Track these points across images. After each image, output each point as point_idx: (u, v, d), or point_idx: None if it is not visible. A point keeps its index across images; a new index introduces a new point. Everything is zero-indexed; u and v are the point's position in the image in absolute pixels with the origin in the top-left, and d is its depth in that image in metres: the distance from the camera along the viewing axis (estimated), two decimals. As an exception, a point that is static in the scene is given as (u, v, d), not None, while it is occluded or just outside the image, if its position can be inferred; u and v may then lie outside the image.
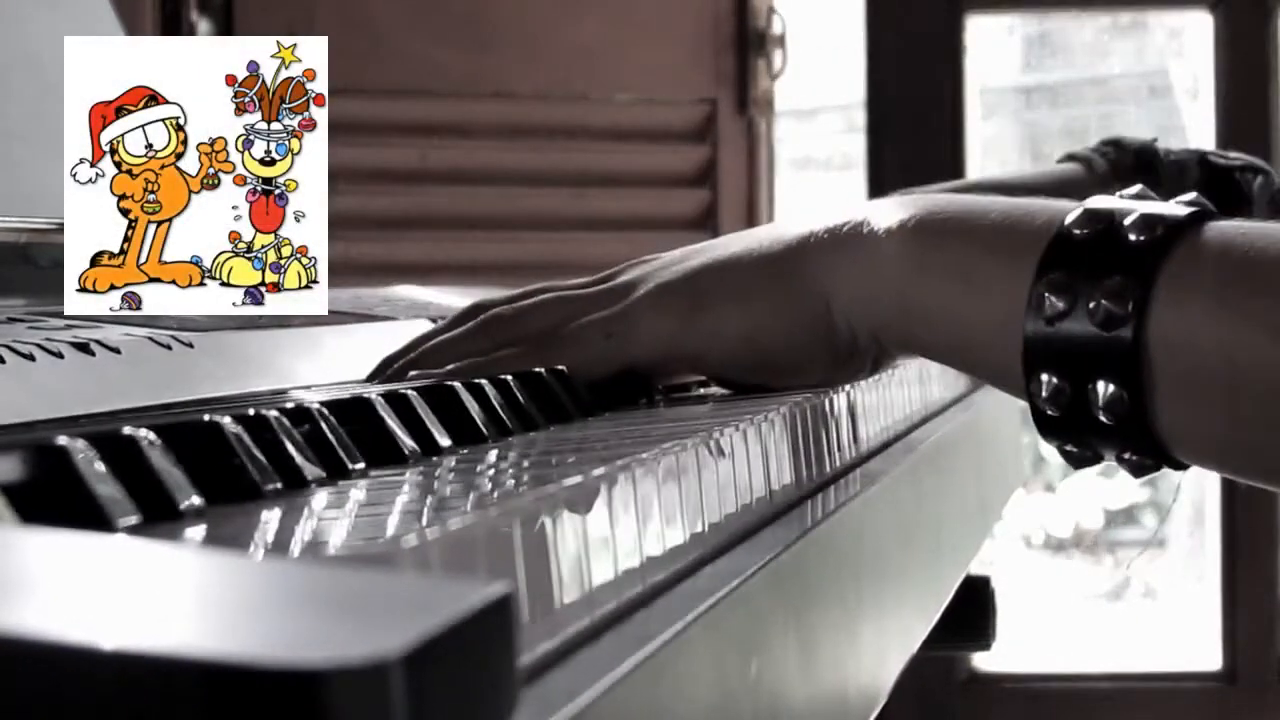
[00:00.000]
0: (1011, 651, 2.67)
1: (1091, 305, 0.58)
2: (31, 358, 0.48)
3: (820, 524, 0.52)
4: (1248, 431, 0.59)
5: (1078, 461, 0.62)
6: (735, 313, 0.67)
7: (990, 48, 3.19)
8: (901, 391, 0.81)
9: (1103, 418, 0.59)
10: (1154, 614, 3.46)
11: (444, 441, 0.50)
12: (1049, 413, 0.60)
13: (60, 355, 0.50)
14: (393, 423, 0.48)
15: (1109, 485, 3.60)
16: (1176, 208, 0.60)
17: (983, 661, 2.63)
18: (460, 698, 0.22)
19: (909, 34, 2.60)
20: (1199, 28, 2.66)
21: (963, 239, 0.64)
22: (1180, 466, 0.61)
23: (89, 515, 0.34)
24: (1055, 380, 0.60)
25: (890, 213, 0.66)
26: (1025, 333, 0.60)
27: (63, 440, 0.35)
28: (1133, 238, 0.59)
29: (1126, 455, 0.60)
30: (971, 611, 1.19)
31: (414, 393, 0.50)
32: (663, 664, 0.35)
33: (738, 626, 0.42)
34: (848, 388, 0.68)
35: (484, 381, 0.56)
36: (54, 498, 0.34)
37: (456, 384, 0.54)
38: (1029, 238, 0.61)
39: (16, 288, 0.69)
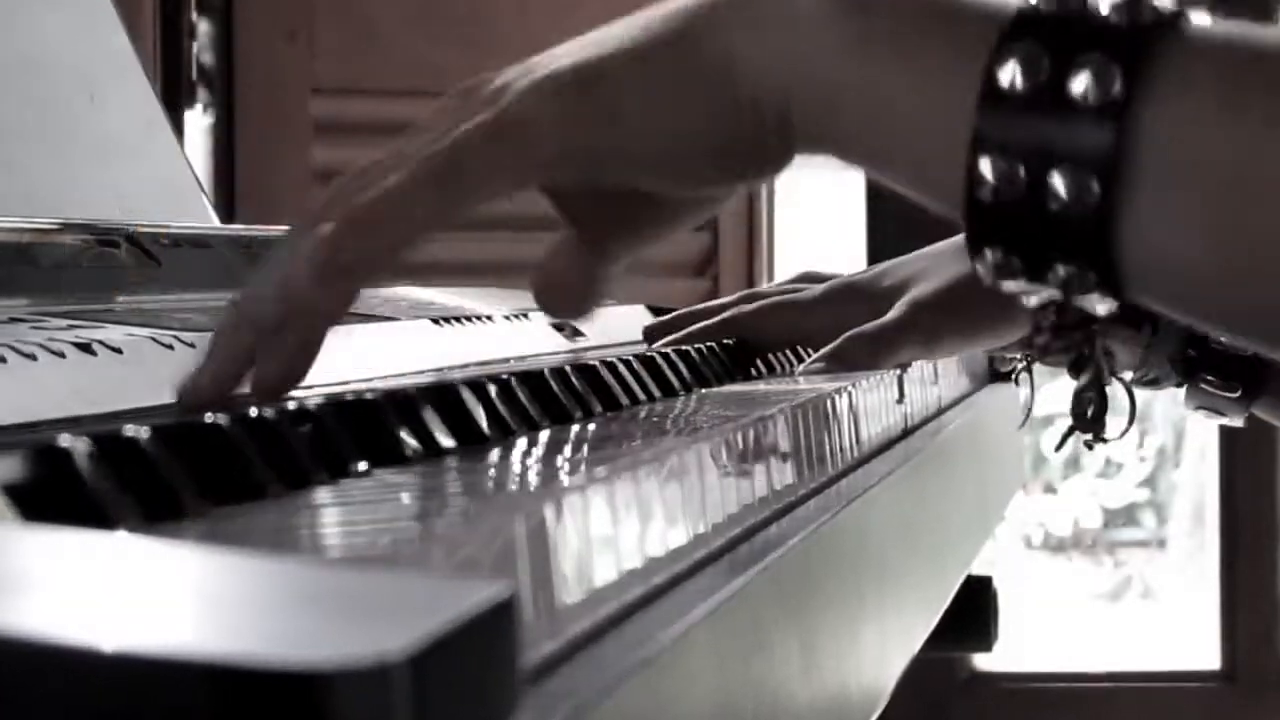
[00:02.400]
0: (1012, 651, 2.67)
1: (1069, 85, 0.51)
2: (34, 358, 0.48)
3: (822, 524, 0.52)
4: (1244, 256, 0.51)
5: (1004, 273, 0.53)
6: (633, 92, 0.57)
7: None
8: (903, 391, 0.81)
9: (1057, 214, 0.51)
10: (1153, 614, 3.46)
11: (446, 442, 0.50)
12: (987, 202, 0.52)
13: (62, 355, 0.50)
14: (395, 423, 0.48)
15: (1109, 485, 3.60)
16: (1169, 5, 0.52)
17: (983, 661, 2.63)
18: (462, 698, 0.22)
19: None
20: (1199, 28, 2.66)
21: (896, 8, 0.55)
22: (1121, 297, 0.53)
23: (91, 515, 0.34)
24: (1006, 165, 0.51)
25: None
26: (979, 107, 0.52)
27: (65, 441, 0.35)
28: (1114, 18, 0.51)
29: (1068, 268, 0.52)
30: (973, 612, 1.19)
31: (416, 392, 0.50)
32: (664, 664, 0.35)
33: (739, 627, 0.42)
34: (849, 388, 0.68)
35: (486, 381, 0.56)
36: (56, 498, 0.34)
37: (459, 383, 0.54)
38: (980, 13, 0.53)
39: (18, 288, 0.69)
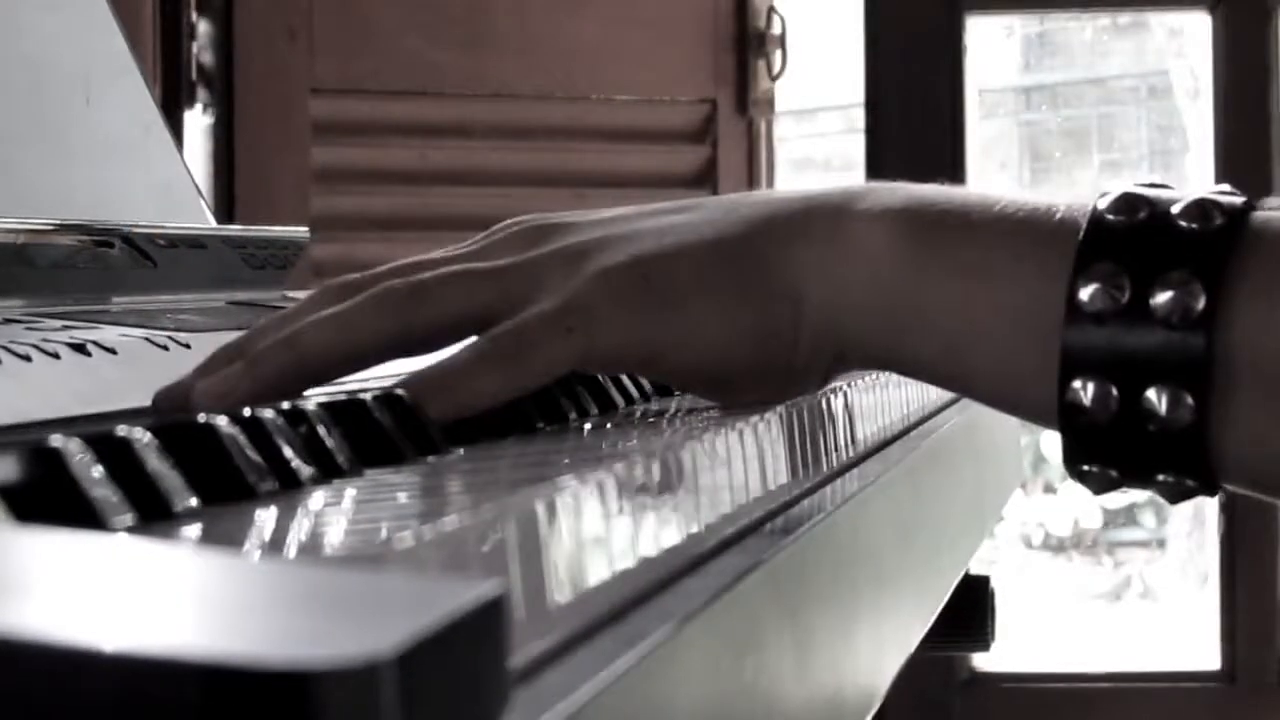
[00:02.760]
0: (1011, 651, 2.67)
1: (1152, 301, 0.51)
2: (28, 358, 0.48)
3: (817, 524, 0.52)
4: None
5: (1102, 485, 0.54)
6: (709, 314, 0.57)
7: (990, 48, 3.19)
8: (899, 392, 0.81)
9: (1154, 431, 0.51)
10: (1153, 614, 3.46)
11: (440, 442, 0.50)
12: (1083, 422, 0.52)
13: (57, 356, 0.50)
14: (388, 423, 0.48)
15: (1109, 485, 3.60)
16: (1227, 194, 0.53)
17: (982, 661, 2.63)
18: (452, 697, 0.22)
19: (909, 34, 2.60)
20: (1199, 28, 2.66)
21: (969, 230, 0.55)
22: (1217, 491, 0.54)
23: (84, 516, 0.34)
24: (1098, 388, 0.52)
25: (873, 198, 0.57)
26: (1065, 332, 0.52)
27: (58, 441, 0.35)
28: (1185, 224, 0.52)
29: (1167, 477, 0.53)
30: (970, 611, 1.19)
31: (409, 393, 0.50)
32: (657, 664, 0.35)
33: (733, 627, 0.42)
34: (845, 388, 0.68)
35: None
36: (49, 499, 0.34)
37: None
38: (1053, 227, 0.54)
39: (14, 288, 0.69)
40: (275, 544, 0.33)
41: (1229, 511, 2.67)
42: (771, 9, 2.49)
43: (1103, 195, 0.54)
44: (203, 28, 2.32)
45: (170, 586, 0.24)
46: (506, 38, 2.39)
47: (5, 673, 0.20)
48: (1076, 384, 0.52)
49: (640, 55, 2.42)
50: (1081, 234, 0.53)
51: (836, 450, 0.64)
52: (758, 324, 0.57)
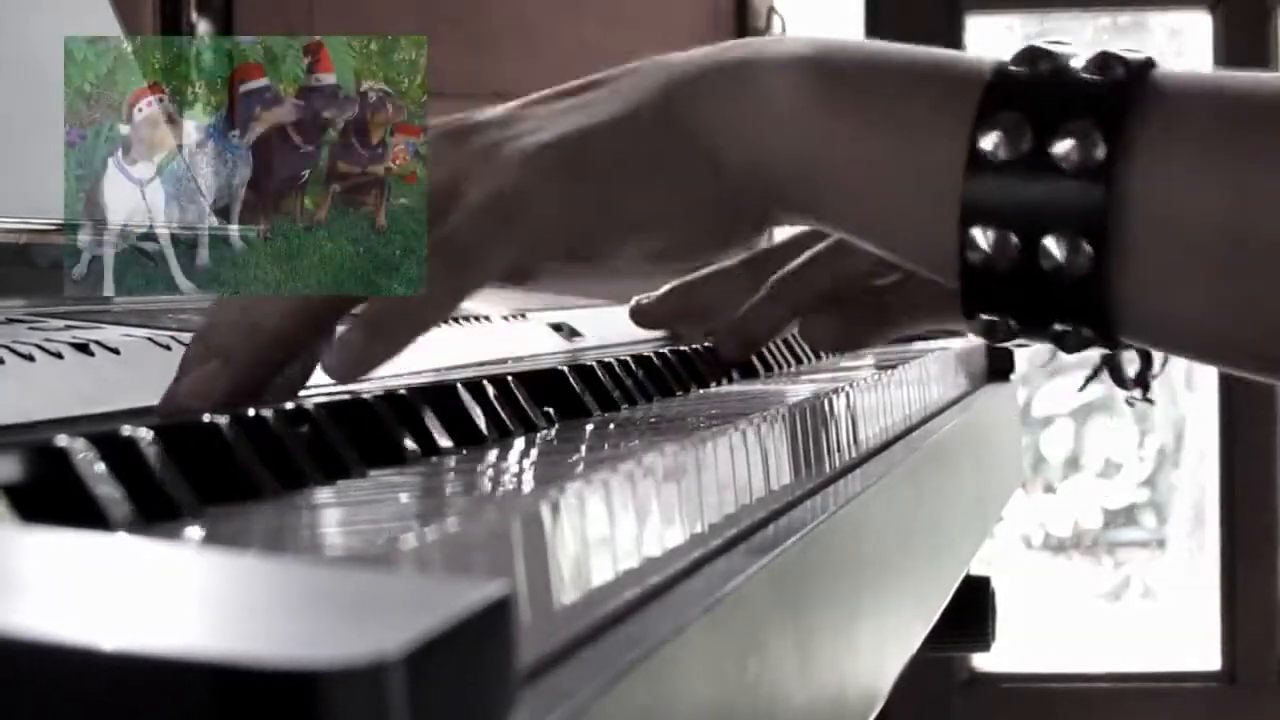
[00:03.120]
0: (1011, 651, 2.67)
1: (1053, 150, 0.51)
2: (31, 358, 0.48)
3: (819, 524, 0.52)
4: (1244, 304, 0.51)
5: (998, 334, 0.54)
6: (634, 185, 0.57)
7: (990, 48, 3.19)
8: (901, 392, 0.81)
9: (1051, 278, 0.51)
10: (1154, 614, 3.46)
11: (444, 442, 0.50)
12: (981, 270, 0.52)
13: (60, 356, 0.50)
14: (392, 423, 0.48)
15: (1109, 485, 3.60)
16: (1131, 51, 0.53)
17: (983, 661, 2.63)
18: (458, 698, 0.22)
19: (909, 34, 2.60)
20: (1199, 28, 2.67)
21: (875, 81, 0.55)
22: (1118, 345, 0.54)
23: (88, 516, 0.34)
24: (998, 236, 0.52)
25: (781, 52, 0.57)
26: (965, 180, 0.52)
27: (62, 441, 0.35)
28: (1087, 76, 0.52)
29: (1065, 326, 0.53)
30: (971, 611, 1.19)
31: (413, 392, 0.50)
32: (661, 665, 0.35)
33: (736, 627, 0.42)
34: (847, 388, 0.68)
35: (484, 381, 0.56)
36: (53, 498, 0.34)
37: (456, 384, 0.54)
38: (959, 78, 0.54)
39: (16, 288, 0.69)
40: (279, 544, 0.33)
41: (1229, 511, 2.67)
42: (771, 9, 2.49)
43: (1010, 53, 0.54)
44: (203, 27, 2.32)
45: (175, 586, 0.24)
46: (506, 38, 2.39)
47: (8, 672, 0.20)
48: (976, 231, 0.52)
49: (640, 55, 2.42)
50: (985, 85, 0.53)
51: (838, 451, 0.64)
52: (681, 188, 0.57)
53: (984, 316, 0.54)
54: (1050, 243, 0.51)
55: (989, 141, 0.52)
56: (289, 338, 0.55)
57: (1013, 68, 0.53)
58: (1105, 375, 0.95)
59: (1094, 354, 0.90)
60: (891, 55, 0.56)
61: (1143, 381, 0.93)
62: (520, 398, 0.58)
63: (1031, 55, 0.53)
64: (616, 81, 0.59)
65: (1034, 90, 0.52)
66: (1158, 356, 0.94)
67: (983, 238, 0.52)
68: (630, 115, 0.57)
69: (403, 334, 0.54)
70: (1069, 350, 0.54)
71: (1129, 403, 0.92)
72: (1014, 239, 0.52)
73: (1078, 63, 0.53)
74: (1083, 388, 1.00)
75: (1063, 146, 0.51)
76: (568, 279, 0.64)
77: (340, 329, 0.56)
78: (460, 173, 0.57)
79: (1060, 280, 0.51)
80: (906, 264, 0.58)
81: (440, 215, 0.56)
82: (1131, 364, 0.92)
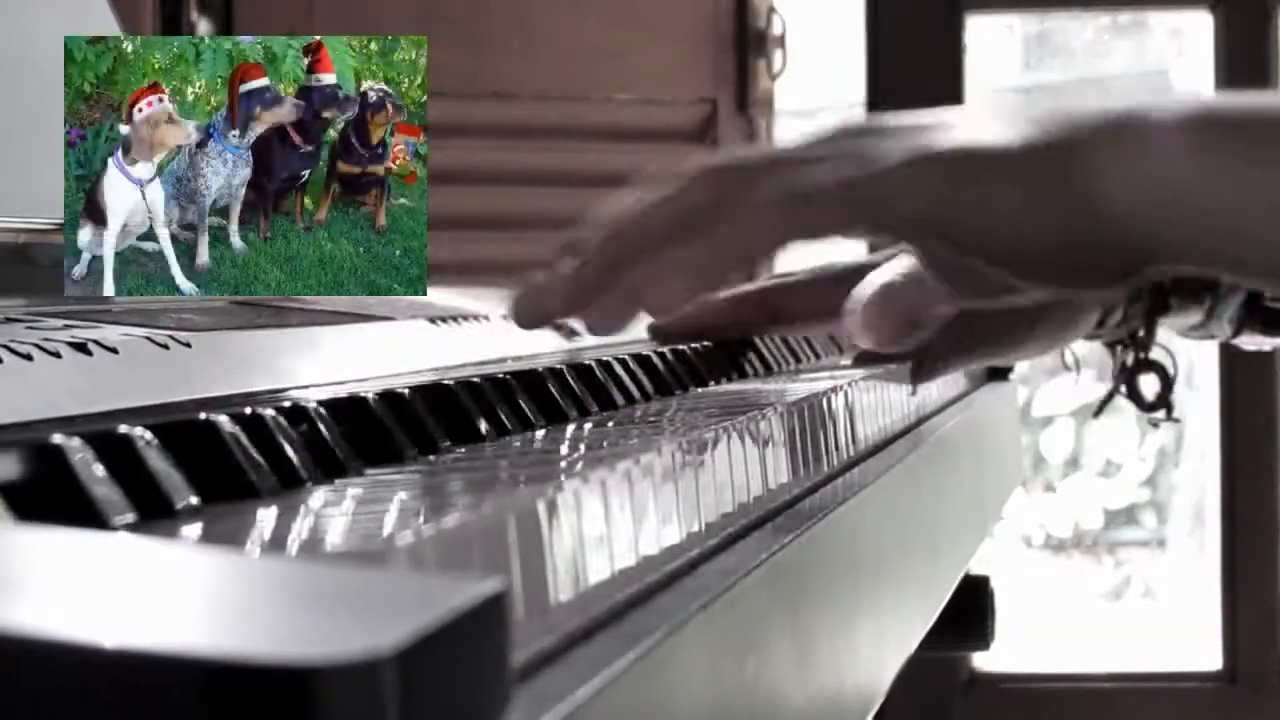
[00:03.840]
0: (1011, 651, 2.67)
1: None
2: (29, 357, 0.48)
3: (818, 523, 0.52)
4: None
5: None
6: (1003, 191, 0.59)
7: (990, 48, 3.19)
8: (900, 391, 0.81)
9: None
10: (1154, 614, 3.46)
11: (442, 441, 0.50)
12: None
13: (58, 355, 0.50)
14: (390, 422, 0.48)
15: (1109, 485, 3.60)
16: None
17: (982, 661, 2.63)
18: (453, 694, 0.22)
19: (909, 34, 2.60)
20: (1199, 28, 2.66)
21: (1266, 125, 0.58)
22: None
23: (85, 514, 0.34)
24: None
25: (1170, 104, 0.59)
26: None
27: (59, 440, 0.35)
28: None
29: None
30: (970, 611, 1.19)
31: (412, 392, 0.50)
32: (658, 663, 0.35)
33: (734, 626, 0.42)
34: (846, 387, 0.68)
35: (483, 380, 0.56)
36: (51, 497, 0.34)
37: (455, 383, 0.54)
38: None
39: (15, 287, 0.69)
40: (276, 542, 0.33)
41: (1229, 511, 2.67)
42: (771, 9, 2.49)
43: None
44: (203, 27, 2.32)
45: (171, 584, 0.24)
46: (506, 38, 2.39)
47: (6, 670, 0.20)
48: None
49: (640, 55, 2.42)
50: None
51: (837, 449, 0.64)
52: (1062, 222, 0.59)
53: None
54: None
55: None
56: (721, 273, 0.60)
57: None
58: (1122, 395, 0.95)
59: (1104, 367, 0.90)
60: (1272, 107, 0.59)
61: (1164, 402, 0.94)
62: (519, 397, 0.58)
63: None
64: (1010, 114, 0.61)
65: None
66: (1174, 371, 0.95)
67: None
68: (1025, 144, 0.60)
69: (727, 258, 0.59)
70: None
71: (1153, 424, 0.92)
72: None
73: None
74: (1098, 412, 1.00)
75: None
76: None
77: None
78: (852, 159, 0.60)
79: None
80: None
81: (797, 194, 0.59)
82: (1150, 385, 0.93)
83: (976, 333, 0.84)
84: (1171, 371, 0.96)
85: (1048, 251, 0.59)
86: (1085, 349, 1.00)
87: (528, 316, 0.63)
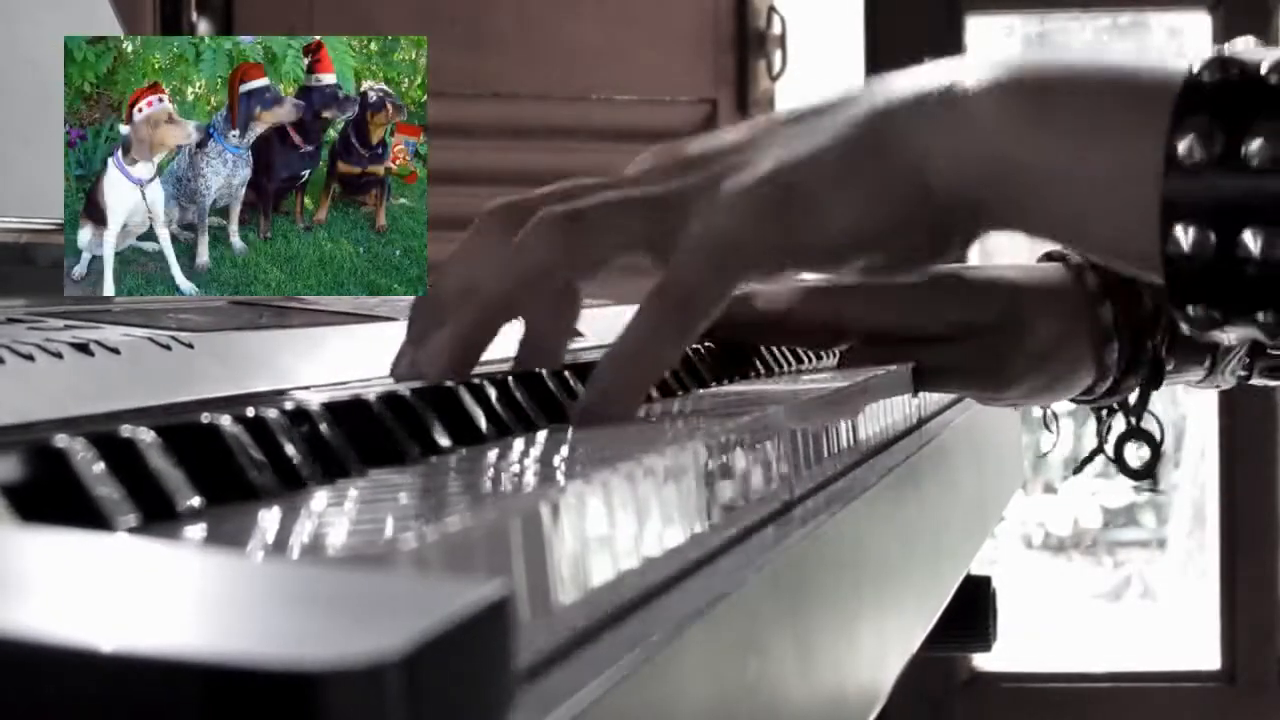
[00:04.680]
0: (1011, 651, 2.67)
1: (1244, 151, 0.55)
2: (31, 358, 0.48)
3: (819, 525, 0.52)
4: None
5: (1205, 325, 0.58)
6: (830, 201, 0.61)
7: (990, 48, 3.19)
8: (901, 392, 0.81)
9: (1253, 271, 0.56)
10: (1154, 614, 3.46)
11: (443, 442, 0.50)
12: (1184, 266, 0.56)
13: (59, 355, 0.50)
14: (392, 423, 0.48)
15: (1109, 485, 3.60)
16: None
17: (982, 661, 2.63)
18: (457, 698, 0.22)
19: (909, 34, 2.60)
20: (1199, 28, 2.66)
21: (1071, 93, 0.60)
22: None
23: (88, 516, 0.34)
24: (1197, 233, 0.56)
25: (979, 70, 0.61)
26: (1164, 184, 0.56)
27: (61, 441, 0.35)
28: (1273, 81, 0.56)
29: (1268, 315, 0.57)
30: (972, 611, 1.19)
31: (413, 392, 0.50)
32: (661, 665, 0.35)
33: (736, 627, 0.42)
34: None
35: (484, 381, 0.56)
36: (53, 499, 0.34)
37: (456, 384, 0.54)
38: (1149, 89, 0.58)
39: (16, 288, 0.69)
40: (278, 544, 0.33)
41: (1229, 511, 2.67)
42: (771, 9, 2.49)
43: (1197, 58, 0.58)
44: (203, 27, 2.32)
45: (173, 587, 0.24)
46: (506, 38, 2.39)
47: (5, 673, 0.20)
48: (1177, 229, 0.56)
49: (640, 55, 2.42)
50: (1177, 92, 0.57)
51: (839, 450, 0.64)
52: (889, 199, 0.61)
53: (1190, 309, 0.58)
54: (1248, 236, 0.56)
55: (1183, 145, 0.56)
56: (507, 306, 0.63)
57: (1205, 77, 0.57)
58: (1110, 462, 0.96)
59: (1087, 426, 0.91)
60: (1086, 68, 0.60)
61: (1151, 472, 0.95)
62: (520, 397, 0.58)
63: (1221, 64, 0.57)
64: (833, 109, 0.64)
65: (1223, 96, 0.56)
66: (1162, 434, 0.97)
67: (1183, 235, 0.56)
68: (838, 144, 0.62)
69: (642, 380, 0.62)
70: (1274, 335, 0.57)
71: (1136, 490, 0.94)
72: (1212, 235, 0.56)
73: (1265, 66, 0.57)
74: (1078, 470, 1.01)
75: (1253, 146, 0.55)
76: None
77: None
78: (681, 202, 0.63)
79: (1261, 271, 0.56)
80: (1110, 263, 0.63)
81: (661, 236, 0.62)
82: (1138, 451, 0.94)
83: (966, 371, 0.86)
84: (1158, 438, 0.98)
85: (883, 233, 0.62)
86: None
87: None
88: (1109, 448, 0.97)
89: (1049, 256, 0.94)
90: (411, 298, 0.74)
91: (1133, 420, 0.94)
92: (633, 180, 0.66)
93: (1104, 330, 0.91)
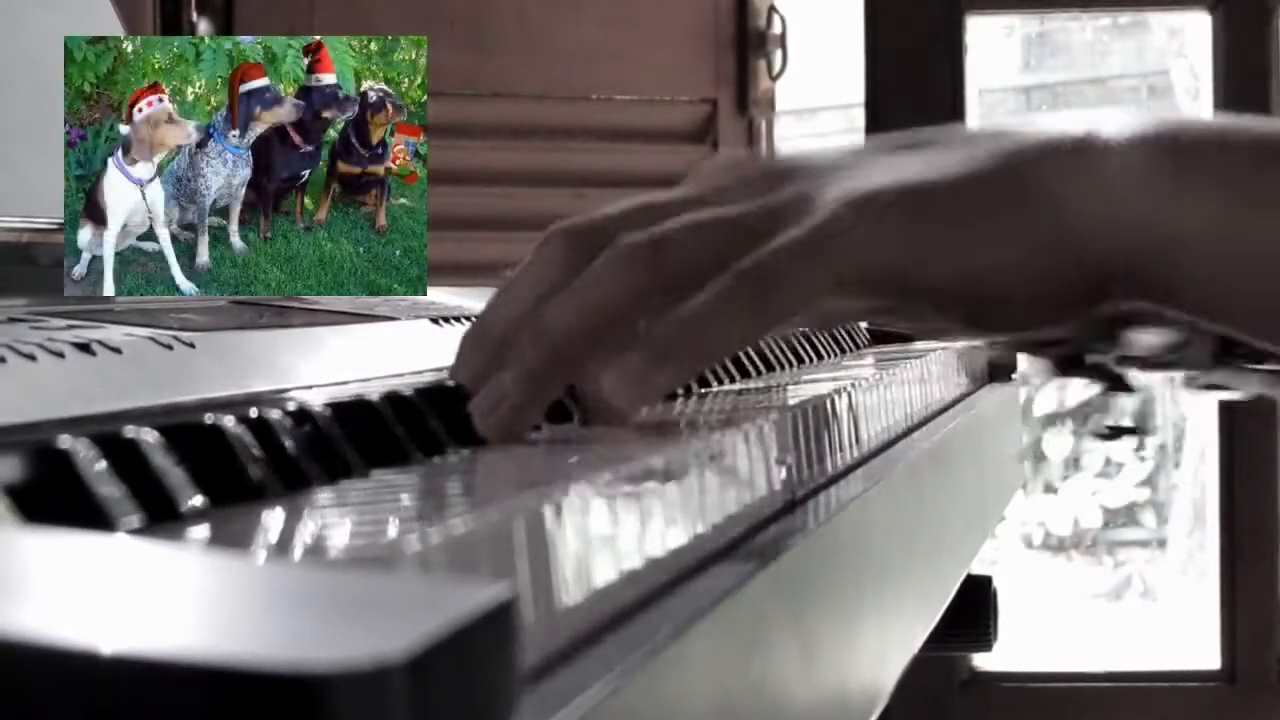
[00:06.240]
0: (1011, 651, 2.67)
1: None
2: (33, 358, 0.48)
3: (821, 525, 0.52)
4: None
5: None
6: (957, 228, 0.55)
7: (990, 48, 3.19)
8: (902, 391, 0.81)
9: None
10: (1153, 614, 3.46)
11: (446, 442, 0.50)
12: None
13: (62, 355, 0.50)
14: (394, 423, 0.48)
15: (1109, 485, 3.60)
16: None
17: (982, 661, 2.63)
18: (462, 700, 0.22)
19: (909, 34, 2.60)
20: (1199, 28, 2.67)
21: (1227, 155, 0.55)
22: None
23: (91, 517, 0.34)
24: None
25: (1123, 123, 0.56)
26: None
27: (65, 442, 0.35)
28: None
29: None
30: (973, 611, 1.19)
31: (415, 393, 0.50)
32: (664, 665, 0.35)
33: (739, 627, 0.42)
34: (849, 388, 0.68)
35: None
36: (56, 499, 0.34)
37: (459, 384, 0.54)
38: None
39: (17, 287, 0.69)
40: (282, 545, 0.33)
41: (1229, 511, 2.67)
42: (771, 9, 2.49)
43: None
44: (203, 27, 2.32)
45: (176, 588, 0.24)
46: (506, 38, 2.39)
47: (6, 674, 0.20)
48: None
49: (640, 55, 2.42)
50: None
51: (840, 450, 0.64)
52: (1024, 256, 0.56)
53: None
54: None
55: None
56: (583, 348, 0.54)
57: None
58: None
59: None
60: (1239, 130, 0.56)
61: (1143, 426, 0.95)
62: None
63: None
64: (940, 145, 0.58)
65: None
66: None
67: None
68: (974, 175, 0.56)
69: (692, 361, 0.53)
70: None
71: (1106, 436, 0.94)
72: None
73: None
74: (1107, 436, 1.01)
75: None
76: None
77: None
78: (774, 212, 0.55)
79: None
80: (1261, 344, 0.57)
81: (740, 251, 0.54)
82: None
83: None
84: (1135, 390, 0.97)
85: (1011, 286, 0.56)
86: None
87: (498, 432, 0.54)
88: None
89: None
90: (411, 297, 0.74)
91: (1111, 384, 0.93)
92: (710, 198, 0.58)
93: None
